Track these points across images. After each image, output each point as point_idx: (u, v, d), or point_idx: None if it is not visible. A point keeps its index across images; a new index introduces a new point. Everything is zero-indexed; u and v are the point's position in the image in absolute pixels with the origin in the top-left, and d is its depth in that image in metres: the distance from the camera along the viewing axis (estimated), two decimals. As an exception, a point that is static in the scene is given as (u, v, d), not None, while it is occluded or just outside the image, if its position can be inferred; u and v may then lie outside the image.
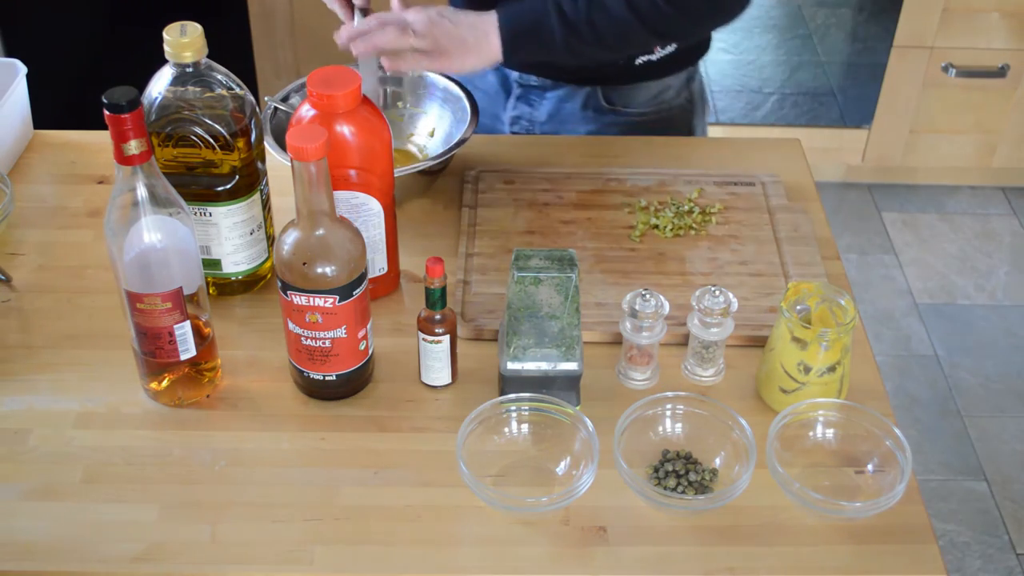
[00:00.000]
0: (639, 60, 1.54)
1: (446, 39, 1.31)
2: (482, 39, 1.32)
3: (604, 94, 1.59)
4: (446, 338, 1.17)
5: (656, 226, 1.41)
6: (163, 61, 1.18)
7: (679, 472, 1.11)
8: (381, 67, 1.42)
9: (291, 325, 1.14)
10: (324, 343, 1.14)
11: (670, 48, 1.54)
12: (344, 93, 1.16)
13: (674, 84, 1.61)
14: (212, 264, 1.28)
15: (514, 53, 1.34)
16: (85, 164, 1.54)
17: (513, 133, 1.65)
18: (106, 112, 1.00)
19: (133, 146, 1.02)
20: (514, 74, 1.62)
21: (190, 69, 1.18)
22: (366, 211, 1.24)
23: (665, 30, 1.38)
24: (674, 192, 1.48)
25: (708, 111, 1.72)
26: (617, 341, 1.25)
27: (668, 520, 1.09)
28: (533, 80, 1.61)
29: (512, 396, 1.14)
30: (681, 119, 1.65)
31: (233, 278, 1.31)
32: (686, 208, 1.44)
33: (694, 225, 1.42)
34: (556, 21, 1.32)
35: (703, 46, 1.62)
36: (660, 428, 1.16)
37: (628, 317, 1.18)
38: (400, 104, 1.55)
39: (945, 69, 2.93)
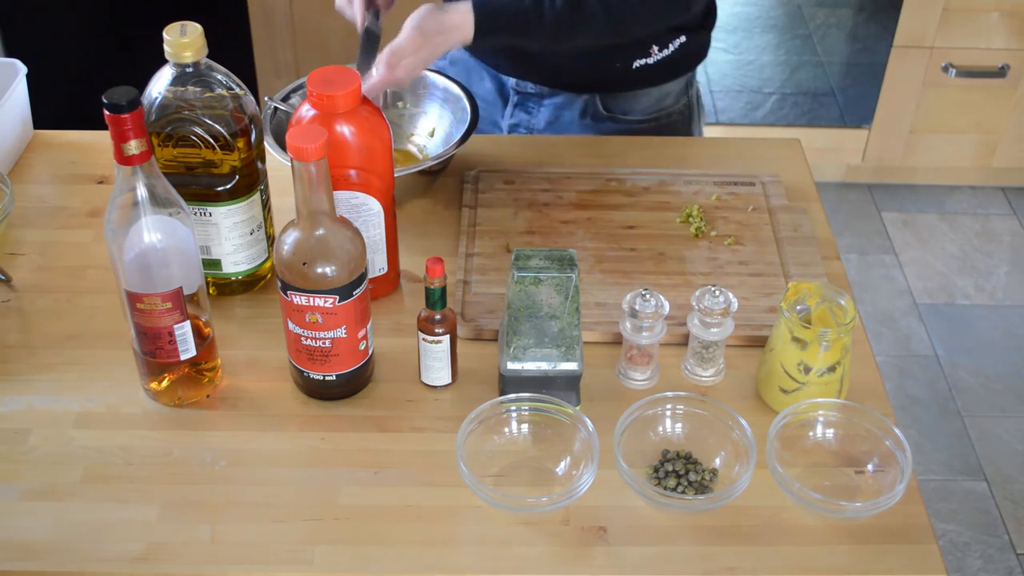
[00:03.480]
0: (636, 64, 1.54)
1: (429, 31, 1.33)
2: (458, 21, 1.34)
3: (603, 101, 1.59)
4: (446, 338, 1.17)
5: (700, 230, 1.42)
6: (163, 61, 1.18)
7: (679, 472, 1.11)
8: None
9: (291, 325, 1.14)
10: (324, 343, 1.14)
11: (667, 52, 1.54)
12: (344, 93, 1.16)
13: (673, 90, 1.61)
14: (212, 264, 1.28)
15: (486, 35, 1.36)
16: (85, 164, 1.54)
17: None
18: (106, 112, 1.00)
19: (133, 146, 1.02)
20: (511, 81, 1.62)
21: (190, 69, 1.18)
22: (366, 211, 1.24)
23: (629, 29, 1.43)
24: (675, 192, 1.48)
25: (704, 116, 1.72)
26: (617, 341, 1.25)
27: (668, 520, 1.09)
28: (530, 87, 1.61)
29: (512, 396, 1.14)
30: (680, 125, 1.65)
31: (233, 278, 1.31)
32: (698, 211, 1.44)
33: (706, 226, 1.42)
34: (533, 14, 1.35)
35: (702, 51, 1.61)
36: (660, 428, 1.16)
37: (628, 317, 1.18)
38: (400, 104, 1.55)
39: (945, 69, 2.93)
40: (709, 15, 1.59)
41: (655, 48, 1.53)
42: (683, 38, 1.55)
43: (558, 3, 1.36)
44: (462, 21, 1.34)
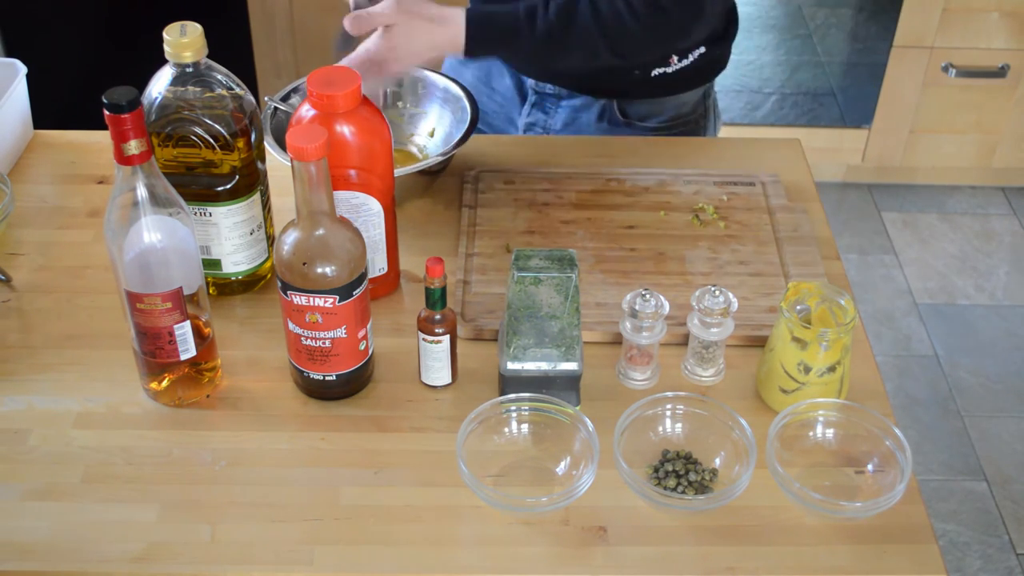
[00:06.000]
0: (655, 73, 1.54)
1: (409, 10, 1.33)
2: (447, 20, 1.34)
3: (620, 107, 1.59)
4: (446, 338, 1.17)
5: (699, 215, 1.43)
6: (163, 61, 1.18)
7: (679, 472, 1.11)
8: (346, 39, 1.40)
9: (291, 325, 1.14)
10: (324, 343, 1.14)
11: (686, 62, 1.55)
12: (344, 93, 1.16)
13: (691, 99, 1.61)
14: (212, 264, 1.28)
15: (477, 45, 1.35)
16: (85, 164, 1.54)
17: None
18: (106, 112, 1.00)
19: (133, 146, 1.02)
20: (530, 80, 1.62)
21: (190, 69, 1.18)
22: (366, 211, 1.24)
23: (626, 50, 1.41)
24: (675, 192, 1.48)
25: (720, 123, 1.72)
26: (617, 341, 1.25)
27: (668, 520, 1.09)
28: (549, 88, 1.61)
29: (512, 396, 1.14)
30: (696, 132, 1.65)
31: (233, 278, 1.31)
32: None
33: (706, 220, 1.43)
34: (525, 25, 1.35)
35: (721, 62, 1.62)
36: (660, 428, 1.16)
37: (628, 317, 1.18)
38: (400, 104, 1.55)
39: (945, 69, 2.93)
40: (730, 26, 1.60)
41: (674, 58, 1.54)
42: (703, 49, 1.55)
43: (551, 14, 1.35)
44: (451, 19, 1.34)
